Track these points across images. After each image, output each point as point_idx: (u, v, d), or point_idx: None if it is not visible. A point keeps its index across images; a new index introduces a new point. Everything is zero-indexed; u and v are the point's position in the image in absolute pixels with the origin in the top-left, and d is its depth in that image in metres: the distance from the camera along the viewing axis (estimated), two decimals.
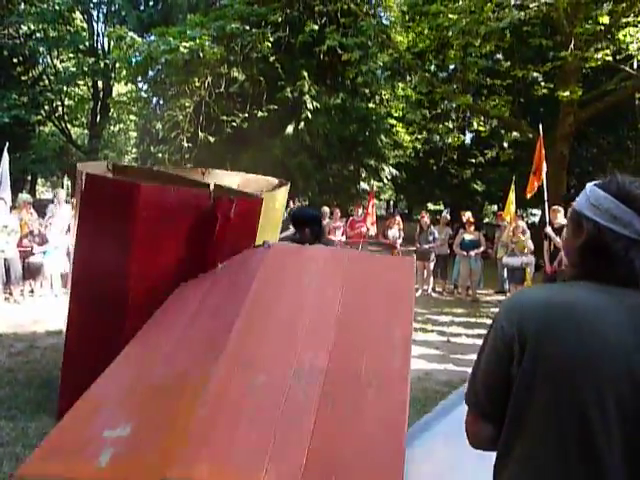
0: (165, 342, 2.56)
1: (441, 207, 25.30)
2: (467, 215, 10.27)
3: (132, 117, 20.73)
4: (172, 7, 16.72)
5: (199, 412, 1.91)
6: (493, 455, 1.15)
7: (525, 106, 15.86)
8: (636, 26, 10.29)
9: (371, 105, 16.72)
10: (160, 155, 15.27)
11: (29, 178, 25.06)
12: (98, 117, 22.71)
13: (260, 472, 1.70)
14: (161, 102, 16.97)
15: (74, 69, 20.92)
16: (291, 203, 11.52)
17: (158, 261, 3.41)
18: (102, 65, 19.80)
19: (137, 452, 1.86)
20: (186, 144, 14.11)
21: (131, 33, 14.32)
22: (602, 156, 19.46)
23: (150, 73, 15.95)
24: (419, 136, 17.97)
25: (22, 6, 19.55)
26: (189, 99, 14.19)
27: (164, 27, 13.73)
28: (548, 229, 7.58)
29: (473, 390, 1.17)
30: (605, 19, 10.40)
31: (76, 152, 23.27)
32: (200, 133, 14.15)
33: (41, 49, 20.29)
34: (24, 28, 19.46)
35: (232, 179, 5.05)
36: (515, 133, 16.63)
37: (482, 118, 16.82)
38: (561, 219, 7.51)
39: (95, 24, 21.60)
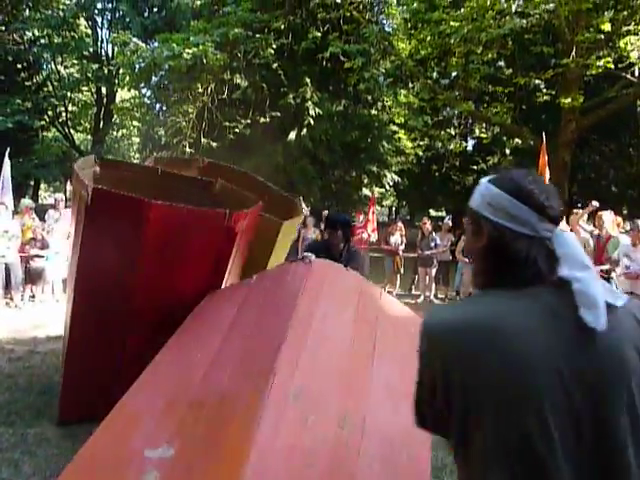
0: (200, 356, 2.46)
1: (443, 214, 25.29)
2: None
3: (135, 123, 20.82)
4: (176, 13, 16.82)
5: (254, 450, 1.77)
6: None
7: (527, 113, 15.88)
8: (637, 34, 10.31)
9: (373, 112, 16.76)
10: None
11: (32, 183, 25.14)
12: (101, 123, 22.82)
13: None
14: (164, 108, 17.04)
15: (78, 75, 21.08)
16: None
17: (166, 278, 3.33)
18: (106, 71, 19.94)
19: (185, 478, 1.80)
20: (188, 150, 14.13)
21: (135, 39, 14.42)
22: (604, 163, 19.47)
23: (153, 79, 16.04)
24: (421, 143, 18.00)
25: (27, 12, 19.73)
26: (192, 105, 14.24)
27: (168, 33, 13.82)
28: None
29: (419, 415, 1.11)
30: (606, 27, 10.42)
31: (79, 157, 23.34)
32: (203, 139, 14.18)
33: (45, 55, 20.44)
34: (28, 34, 19.60)
35: (236, 177, 4.93)
36: (517, 140, 16.65)
37: (484, 125, 16.86)
38: (564, 226, 7.50)
39: (99, 30, 21.77)
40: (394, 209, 32.26)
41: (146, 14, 19.68)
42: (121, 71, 16.98)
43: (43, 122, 21.36)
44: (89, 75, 20.30)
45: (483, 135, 16.93)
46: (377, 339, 2.48)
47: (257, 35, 13.38)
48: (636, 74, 11.78)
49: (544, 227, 1.05)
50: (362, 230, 10.55)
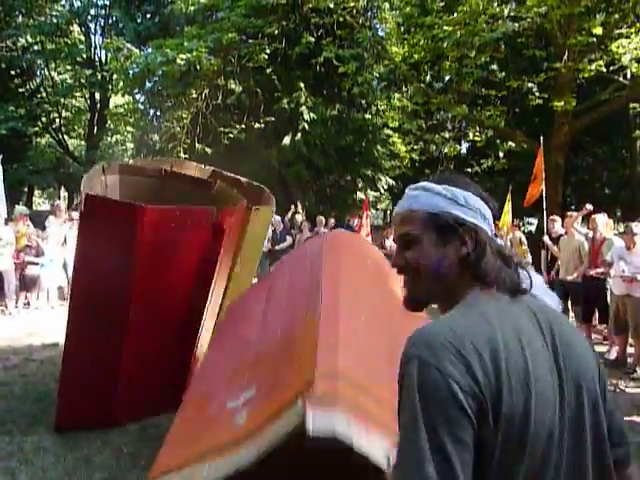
0: (250, 326, 2.63)
1: None
2: None
3: (129, 129, 20.77)
4: (169, 19, 16.83)
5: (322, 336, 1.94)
6: None
7: (520, 116, 15.98)
8: (628, 37, 10.40)
9: (367, 116, 16.81)
10: None
11: (26, 190, 25.02)
12: (95, 129, 22.76)
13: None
14: (158, 113, 17.03)
15: (71, 81, 21.01)
16: (289, 212, 11.53)
17: (160, 279, 3.43)
18: (99, 77, 19.90)
19: (271, 397, 1.90)
20: (183, 155, 14.11)
21: (128, 45, 14.41)
22: (597, 165, 19.59)
23: (147, 85, 16.02)
24: (415, 146, 18.05)
25: (20, 19, 19.68)
26: (186, 111, 14.23)
27: (161, 39, 13.81)
28: (546, 238, 7.60)
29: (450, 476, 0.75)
30: (598, 30, 10.52)
31: (73, 163, 23.28)
32: (197, 144, 14.18)
33: (38, 61, 20.39)
34: (22, 41, 19.54)
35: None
36: (510, 143, 16.74)
37: (478, 128, 16.92)
38: (559, 228, 7.54)
39: (92, 36, 21.76)
40: (389, 212, 32.34)
41: (139, 20, 19.66)
42: (115, 77, 16.97)
43: (37, 128, 21.28)
44: (83, 81, 20.24)
45: (477, 138, 16.99)
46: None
47: (251, 40, 13.40)
48: (628, 77, 11.88)
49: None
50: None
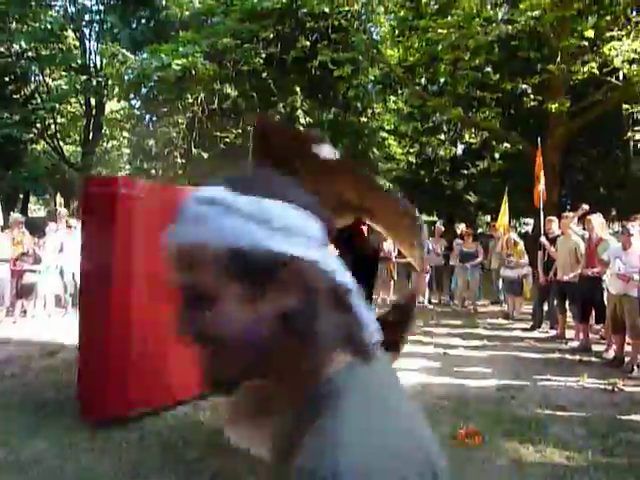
0: None
1: (435, 218, 25.41)
2: (461, 227, 10.32)
3: (125, 134, 20.74)
4: (164, 24, 16.83)
5: None
6: None
7: (515, 118, 16.04)
8: (620, 40, 10.46)
9: (363, 119, 16.84)
10: (153, 172, 15.28)
11: (21, 196, 24.96)
12: (91, 134, 22.69)
13: None
14: (154, 119, 17.01)
15: (66, 87, 20.93)
16: None
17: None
18: (94, 83, 19.84)
19: None
20: (179, 160, 14.12)
21: (123, 50, 14.39)
22: (592, 166, 19.66)
23: (143, 90, 16.00)
24: (411, 149, 18.10)
25: (14, 25, 19.63)
26: (182, 115, 14.23)
27: (156, 44, 13.81)
28: (542, 239, 7.62)
29: None
30: (590, 33, 10.59)
31: (68, 170, 23.24)
32: (193, 149, 14.17)
33: (33, 67, 20.34)
34: (16, 46, 19.49)
35: None
36: (506, 144, 16.81)
37: (473, 130, 16.99)
38: (555, 229, 7.57)
39: (87, 42, 21.71)
40: None
41: (134, 25, 19.67)
42: (110, 82, 16.95)
43: (32, 135, 21.21)
44: (78, 87, 20.17)
45: (472, 140, 17.08)
46: None
47: (246, 45, 13.41)
48: (621, 78, 11.95)
49: None
50: None
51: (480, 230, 24.87)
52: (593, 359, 6.16)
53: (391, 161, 18.06)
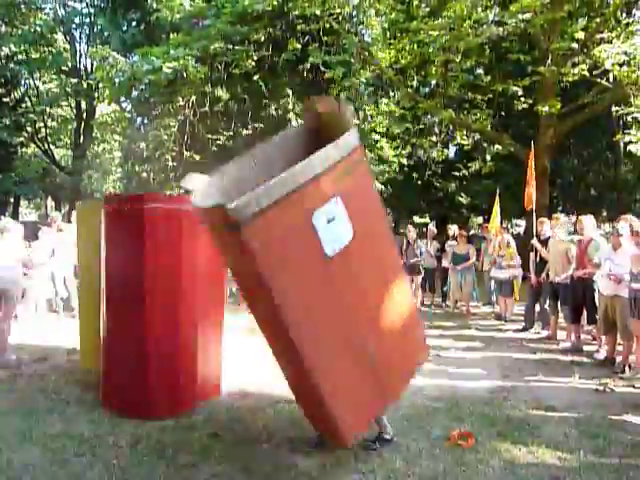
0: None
1: (427, 220, 25.46)
2: (453, 229, 10.34)
3: (116, 137, 20.66)
4: (155, 27, 16.77)
5: None
6: None
7: (506, 120, 16.14)
8: (610, 42, 10.55)
9: (355, 121, 16.86)
10: (145, 175, 15.21)
11: (12, 200, 24.77)
12: (82, 138, 22.59)
13: None
14: (145, 122, 16.95)
15: (57, 90, 20.88)
16: None
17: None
18: (85, 86, 19.76)
19: None
20: (171, 163, 14.06)
21: (114, 53, 14.32)
22: (583, 167, 19.83)
23: (134, 93, 15.93)
24: (403, 151, 18.14)
25: (3, 28, 19.52)
26: (173, 118, 14.18)
27: (147, 47, 13.75)
28: (534, 240, 7.66)
29: None
30: (580, 35, 10.67)
31: (59, 173, 23.11)
32: (185, 152, 14.12)
33: (23, 71, 20.22)
34: (5, 50, 19.39)
35: None
36: (497, 146, 16.89)
37: (465, 132, 17.06)
38: (547, 230, 7.62)
39: (77, 45, 21.61)
40: None
41: (125, 28, 19.58)
42: (100, 85, 16.88)
43: (22, 138, 21.12)
44: (68, 90, 20.11)
45: (464, 142, 17.13)
46: None
47: (237, 47, 13.39)
48: (611, 79, 12.06)
49: None
50: None
51: (472, 232, 24.99)
52: (585, 360, 6.20)
53: (383, 163, 18.08)
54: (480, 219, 24.46)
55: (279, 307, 2.71)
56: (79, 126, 22.64)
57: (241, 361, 5.52)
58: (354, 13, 15.16)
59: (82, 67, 21.45)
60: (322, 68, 13.30)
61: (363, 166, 3.19)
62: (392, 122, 16.31)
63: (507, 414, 4.31)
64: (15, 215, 22.80)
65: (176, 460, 3.42)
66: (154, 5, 14.38)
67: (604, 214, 20.04)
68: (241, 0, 12.75)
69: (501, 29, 11.18)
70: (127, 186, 16.95)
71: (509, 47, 13.10)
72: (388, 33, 14.94)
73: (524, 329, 7.89)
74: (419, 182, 20.80)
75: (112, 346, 4.29)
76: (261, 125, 14.41)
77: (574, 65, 11.38)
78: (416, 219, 25.24)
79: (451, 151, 21.13)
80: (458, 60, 12.33)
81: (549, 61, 11.58)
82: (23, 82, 21.77)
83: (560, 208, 19.88)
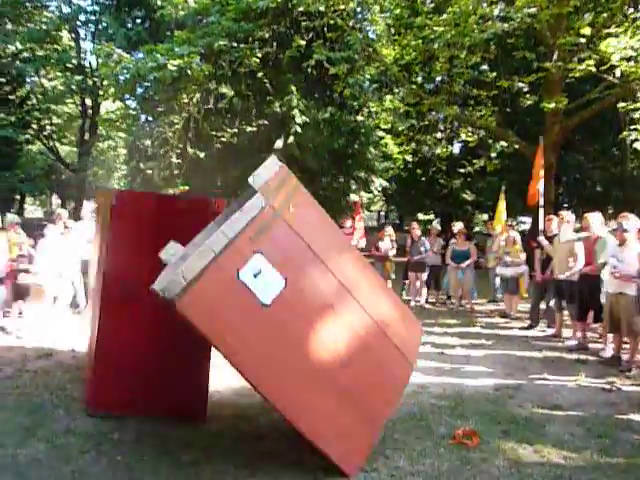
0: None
1: (432, 217, 25.41)
2: (458, 226, 10.31)
3: (121, 134, 20.67)
4: (160, 25, 16.76)
5: None
6: None
7: (511, 116, 16.05)
8: (617, 37, 10.45)
9: (359, 118, 16.80)
10: (149, 172, 15.22)
11: (17, 197, 24.89)
12: (87, 135, 22.64)
13: None
14: (150, 119, 16.95)
15: (62, 87, 20.91)
16: None
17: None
18: (90, 83, 19.80)
19: None
20: (175, 160, 14.06)
21: (119, 50, 14.32)
22: (589, 163, 19.69)
23: (139, 90, 15.93)
24: (407, 147, 18.09)
25: (9, 26, 19.55)
26: (178, 115, 14.18)
27: (152, 44, 13.74)
28: (541, 238, 7.62)
29: None
30: (586, 30, 10.57)
31: (65, 170, 23.19)
32: (189, 149, 14.12)
33: (28, 68, 20.25)
34: (11, 47, 19.42)
35: None
36: (502, 143, 16.80)
37: (469, 128, 16.97)
38: (554, 227, 7.57)
39: (82, 42, 21.67)
40: (383, 214, 32.38)
41: (130, 25, 19.59)
42: (105, 82, 16.89)
43: (28, 135, 21.18)
44: (73, 87, 20.13)
45: (469, 138, 17.04)
46: None
47: (242, 44, 13.37)
48: (617, 75, 11.94)
49: None
50: (349, 237, 10.53)
51: (477, 229, 24.92)
52: (590, 358, 6.16)
53: (388, 160, 18.04)
54: (485, 216, 24.37)
55: (236, 364, 2.99)
56: (84, 123, 22.69)
57: None
58: (358, 9, 15.10)
59: (87, 64, 21.49)
60: (326, 65, 13.25)
61: (281, 221, 3.24)
62: (396, 119, 16.25)
63: (512, 413, 4.29)
64: (20, 212, 22.91)
65: (180, 457, 3.43)
66: (158, 2, 14.40)
67: (610, 211, 19.91)
68: None
69: (506, 25, 11.09)
70: (132, 183, 16.97)
71: (515, 43, 13.00)
72: (392, 29, 14.86)
73: (529, 327, 7.86)
74: (423, 179, 20.75)
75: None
76: (265, 122, 14.40)
77: (580, 61, 11.27)
78: (420, 216, 25.21)
79: (456, 148, 21.06)
80: (463, 56, 12.23)
81: (555, 57, 11.48)
82: (28, 79, 21.82)
83: (566, 205, 19.78)
